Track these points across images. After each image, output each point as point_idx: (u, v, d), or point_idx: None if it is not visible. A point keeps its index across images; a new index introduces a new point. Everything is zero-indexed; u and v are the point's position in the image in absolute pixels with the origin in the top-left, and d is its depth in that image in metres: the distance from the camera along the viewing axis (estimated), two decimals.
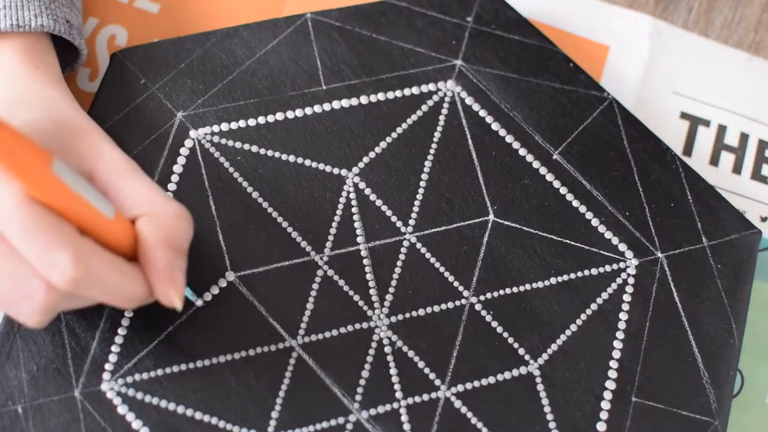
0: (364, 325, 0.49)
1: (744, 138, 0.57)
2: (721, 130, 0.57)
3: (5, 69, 0.47)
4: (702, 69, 0.58)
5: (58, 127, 0.45)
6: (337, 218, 0.51)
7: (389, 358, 0.49)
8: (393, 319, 0.49)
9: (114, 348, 0.47)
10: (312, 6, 0.55)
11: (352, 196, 0.51)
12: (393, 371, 0.49)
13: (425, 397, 0.48)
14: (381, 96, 0.53)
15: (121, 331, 0.48)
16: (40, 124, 0.44)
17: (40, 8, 0.48)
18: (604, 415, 0.49)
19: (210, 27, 0.55)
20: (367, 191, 0.51)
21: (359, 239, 0.50)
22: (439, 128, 0.53)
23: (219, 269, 0.49)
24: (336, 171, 0.51)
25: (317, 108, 0.52)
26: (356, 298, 0.49)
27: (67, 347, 0.47)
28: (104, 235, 0.42)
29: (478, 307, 0.50)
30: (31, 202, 0.40)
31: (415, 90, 0.53)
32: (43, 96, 0.47)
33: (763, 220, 0.56)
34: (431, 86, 0.53)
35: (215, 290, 0.49)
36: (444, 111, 0.53)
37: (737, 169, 0.57)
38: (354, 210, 0.51)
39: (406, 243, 0.51)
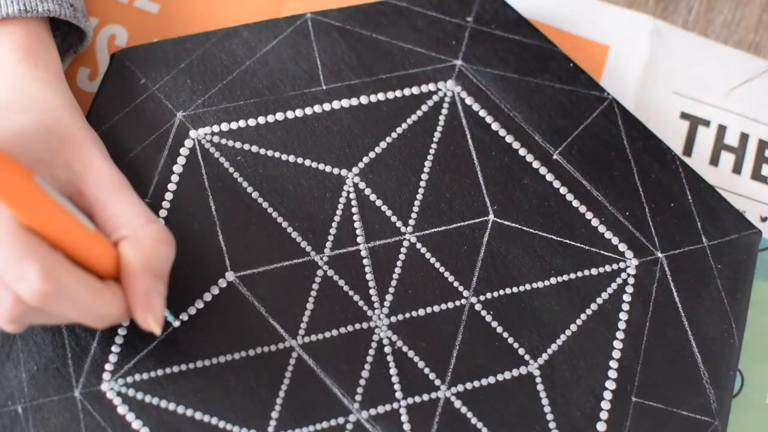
0: (364, 325, 0.49)
1: (744, 138, 0.57)
2: (721, 130, 0.57)
3: (4, 66, 0.47)
4: (702, 69, 0.58)
5: (50, 135, 0.45)
6: (337, 218, 0.51)
7: (389, 358, 0.49)
8: (393, 319, 0.49)
9: (114, 348, 0.47)
10: (312, 6, 0.55)
11: (352, 196, 0.51)
12: (393, 371, 0.49)
13: (425, 397, 0.48)
14: (381, 96, 0.53)
15: (121, 331, 0.48)
16: (32, 130, 0.44)
17: None
18: (604, 415, 0.49)
19: (210, 27, 0.55)
20: (367, 191, 0.51)
21: (359, 239, 0.50)
22: (439, 128, 0.53)
23: (219, 269, 0.49)
24: (336, 171, 0.51)
25: (317, 108, 0.52)
26: (356, 298, 0.49)
27: (67, 347, 0.47)
28: (84, 253, 0.42)
29: (478, 307, 0.50)
30: (5, 214, 0.40)
31: (415, 90, 0.53)
32: (40, 98, 0.46)
33: (763, 220, 0.56)
34: (431, 86, 0.53)
35: (215, 290, 0.49)
36: (444, 111, 0.53)
37: (737, 169, 0.57)
38: (354, 210, 0.51)
39: (406, 243, 0.51)
